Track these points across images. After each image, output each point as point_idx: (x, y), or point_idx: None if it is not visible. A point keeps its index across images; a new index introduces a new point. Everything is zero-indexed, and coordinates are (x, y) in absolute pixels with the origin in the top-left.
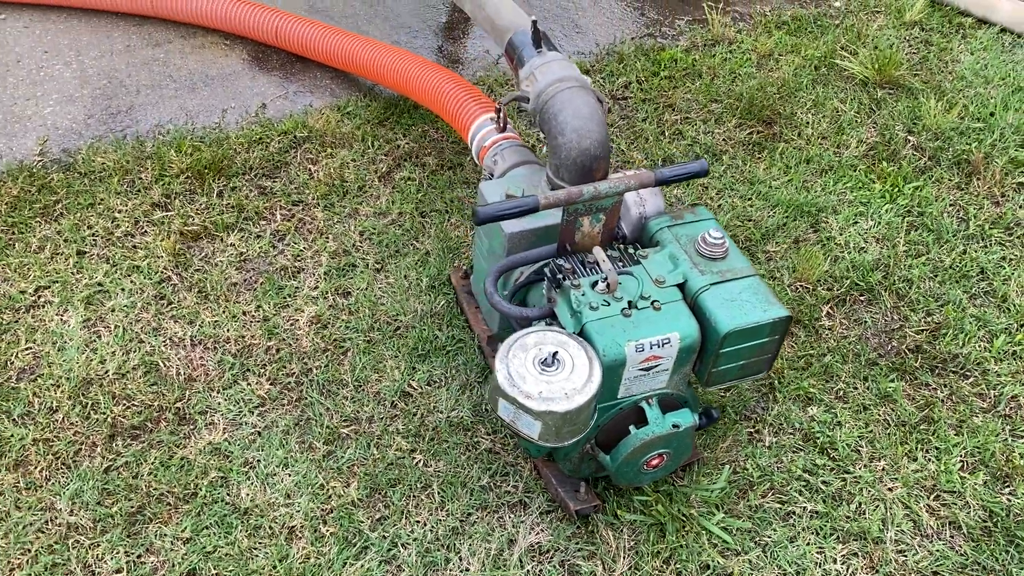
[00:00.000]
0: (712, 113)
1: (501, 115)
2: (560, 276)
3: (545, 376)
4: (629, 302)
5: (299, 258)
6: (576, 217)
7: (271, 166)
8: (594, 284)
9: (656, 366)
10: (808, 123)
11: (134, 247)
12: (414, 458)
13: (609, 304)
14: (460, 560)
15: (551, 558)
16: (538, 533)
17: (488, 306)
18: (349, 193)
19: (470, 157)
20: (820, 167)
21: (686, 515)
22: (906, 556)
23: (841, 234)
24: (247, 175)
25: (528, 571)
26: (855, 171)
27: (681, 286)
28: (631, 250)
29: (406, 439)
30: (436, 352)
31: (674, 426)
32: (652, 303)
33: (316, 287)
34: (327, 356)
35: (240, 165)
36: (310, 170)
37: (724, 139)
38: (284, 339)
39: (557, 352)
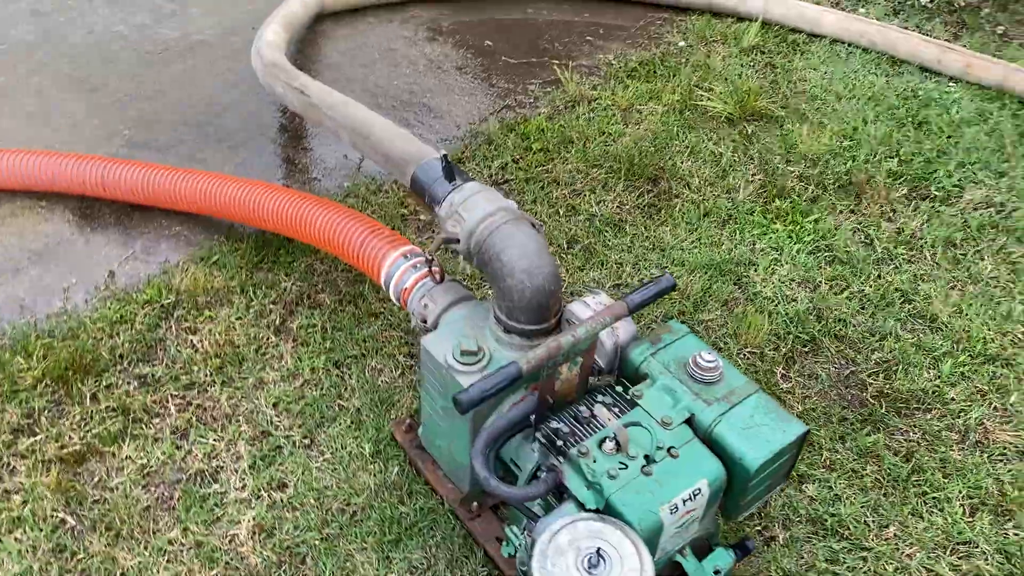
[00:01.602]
0: (597, 180)
1: (434, 267)
2: (560, 443)
3: None
4: (646, 456)
5: (213, 455)
6: (555, 368)
7: (145, 347)
8: (600, 443)
9: (690, 519)
10: (692, 172)
11: (6, 493)
12: None
13: (626, 466)
14: None
15: None
16: None
17: (451, 465)
18: (246, 360)
19: (368, 283)
20: (720, 218)
21: None
22: None
23: (765, 286)
24: (120, 366)
25: None
26: (753, 215)
27: (687, 419)
28: (619, 388)
29: None
30: (408, 533)
31: (715, 573)
32: (668, 451)
33: (244, 486)
34: (284, 570)
35: (108, 356)
36: (192, 342)
37: (618, 206)
38: (228, 562)
39: (600, 547)
